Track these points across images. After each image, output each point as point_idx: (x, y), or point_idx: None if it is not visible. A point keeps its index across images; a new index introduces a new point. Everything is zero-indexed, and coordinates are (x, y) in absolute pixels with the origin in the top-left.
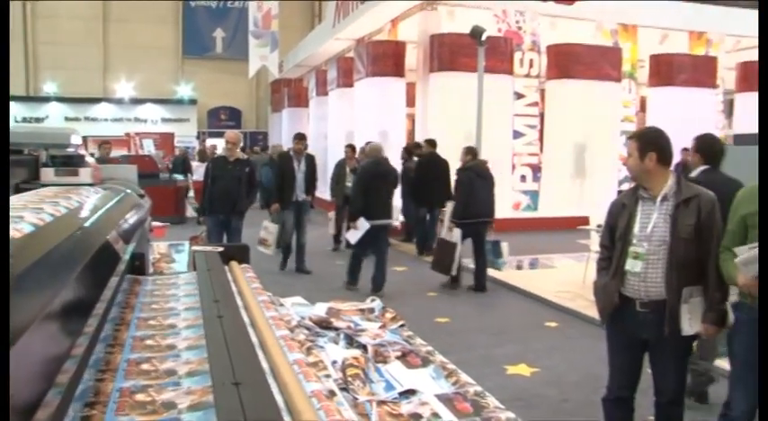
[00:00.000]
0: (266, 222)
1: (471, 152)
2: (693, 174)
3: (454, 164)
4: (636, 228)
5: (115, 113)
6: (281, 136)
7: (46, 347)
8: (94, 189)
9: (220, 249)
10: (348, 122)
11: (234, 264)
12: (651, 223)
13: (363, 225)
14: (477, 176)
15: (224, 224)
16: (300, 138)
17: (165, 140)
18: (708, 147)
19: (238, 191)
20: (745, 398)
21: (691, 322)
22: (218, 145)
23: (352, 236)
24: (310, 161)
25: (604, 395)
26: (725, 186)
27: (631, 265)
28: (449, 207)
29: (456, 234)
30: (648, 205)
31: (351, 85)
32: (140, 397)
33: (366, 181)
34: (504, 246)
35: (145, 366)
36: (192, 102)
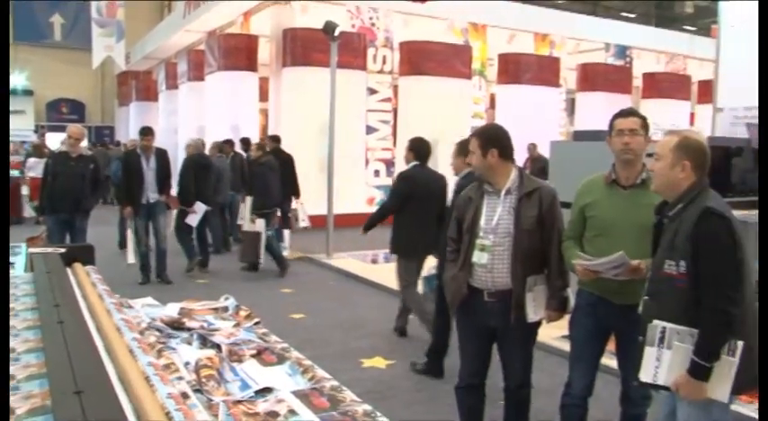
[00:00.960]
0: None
1: (261, 148)
2: (406, 167)
3: (305, 158)
4: (482, 221)
5: None
6: (129, 131)
7: None
8: None
9: (62, 250)
10: (199, 117)
11: (78, 265)
12: (496, 216)
13: (201, 207)
14: (269, 170)
15: (67, 224)
16: (147, 133)
17: None
18: (418, 148)
19: (82, 188)
20: (582, 376)
21: (535, 309)
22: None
23: (192, 219)
24: (161, 157)
25: (457, 383)
26: (430, 178)
27: (478, 257)
28: (248, 201)
29: (259, 224)
30: (493, 199)
31: (202, 79)
32: None
33: (194, 170)
34: (287, 233)
35: None
36: (28, 92)
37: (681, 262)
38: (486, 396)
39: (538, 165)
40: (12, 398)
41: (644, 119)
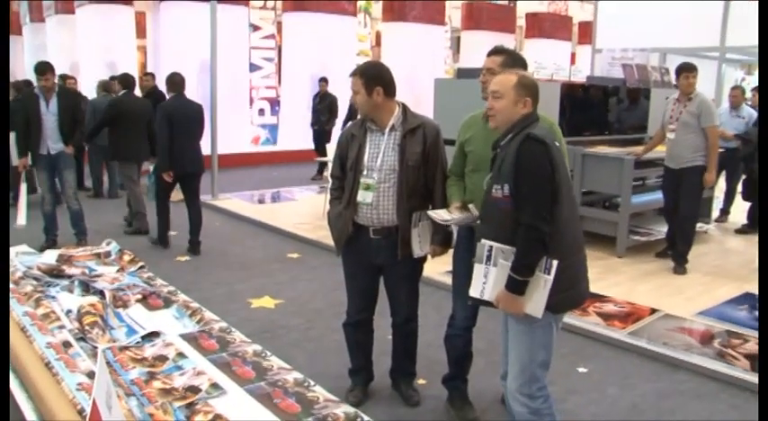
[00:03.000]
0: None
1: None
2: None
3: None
4: (366, 159)
5: None
6: None
7: None
8: None
9: None
10: (72, 53)
11: None
12: (381, 153)
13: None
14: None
15: None
16: (44, 70)
17: None
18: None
19: None
20: (463, 307)
21: (421, 245)
22: None
23: None
24: (65, 99)
25: (345, 319)
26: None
27: (363, 197)
28: None
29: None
30: (377, 136)
31: (72, 12)
32: None
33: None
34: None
35: None
36: None
37: (505, 185)
38: (373, 331)
39: (327, 101)
40: None
41: (507, 57)
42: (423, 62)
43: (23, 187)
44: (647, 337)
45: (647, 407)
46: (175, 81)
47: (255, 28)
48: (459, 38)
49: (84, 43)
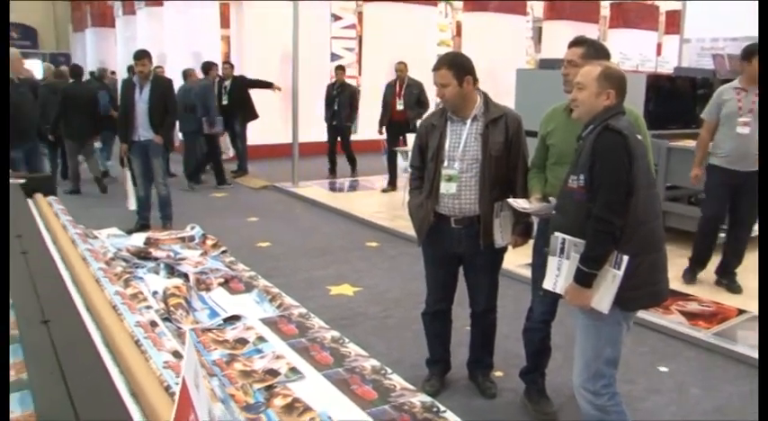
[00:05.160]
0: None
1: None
2: None
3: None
4: (447, 149)
5: None
6: (86, 58)
7: None
8: None
9: (21, 181)
10: (160, 44)
11: (39, 196)
12: (462, 142)
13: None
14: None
15: (29, 151)
16: (140, 56)
17: None
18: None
19: (37, 113)
20: (542, 301)
21: (502, 235)
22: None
23: None
24: (159, 87)
25: (423, 309)
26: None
27: (446, 188)
28: None
29: None
30: (458, 125)
31: (161, 4)
32: None
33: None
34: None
35: None
36: None
37: (581, 176)
38: (452, 321)
39: (347, 93)
40: None
41: (589, 48)
42: (504, 53)
43: (128, 173)
44: (734, 339)
45: (731, 410)
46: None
47: (336, 18)
48: (540, 28)
49: (172, 34)
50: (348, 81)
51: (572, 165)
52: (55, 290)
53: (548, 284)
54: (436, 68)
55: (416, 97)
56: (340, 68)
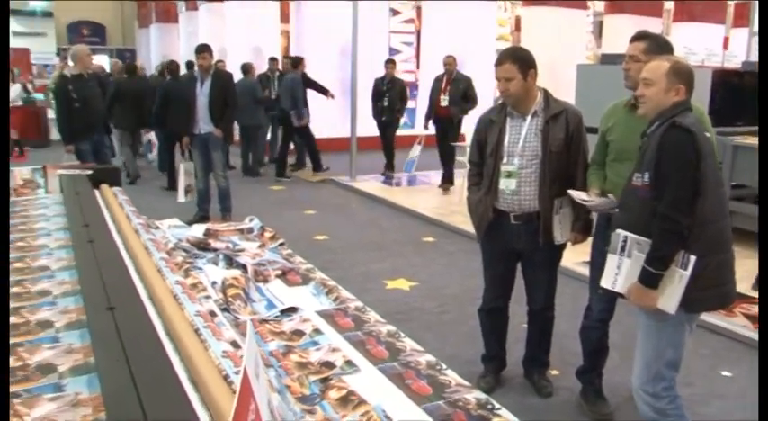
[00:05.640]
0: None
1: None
2: None
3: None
4: (506, 144)
5: None
6: (150, 53)
7: None
8: None
9: (89, 172)
10: (220, 39)
11: (105, 187)
12: (522, 138)
13: None
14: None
15: (97, 144)
16: (200, 50)
17: (19, 57)
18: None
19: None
20: (600, 299)
21: (562, 232)
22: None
23: None
24: (219, 81)
25: (480, 306)
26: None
27: (506, 184)
28: None
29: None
30: (517, 121)
31: (222, 0)
32: (13, 319)
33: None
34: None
35: (16, 289)
36: (47, 14)
37: (645, 173)
38: (508, 318)
39: (398, 87)
40: (49, 313)
41: (651, 43)
42: (563, 48)
43: (182, 167)
44: None
45: None
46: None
47: (395, 12)
48: (601, 23)
49: (232, 29)
50: (404, 76)
51: (636, 162)
52: (119, 278)
53: (606, 283)
54: (500, 63)
55: (462, 93)
56: (390, 62)
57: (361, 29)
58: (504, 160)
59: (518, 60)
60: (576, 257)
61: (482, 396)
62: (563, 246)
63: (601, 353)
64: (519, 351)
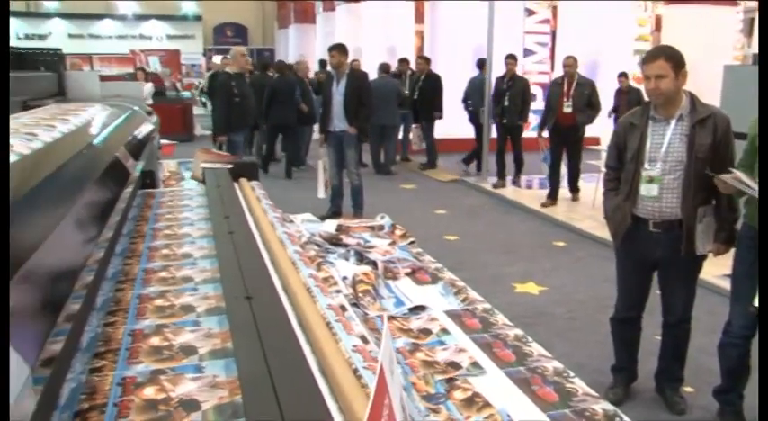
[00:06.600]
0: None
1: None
2: None
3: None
4: (647, 149)
5: (119, 30)
6: (288, 53)
7: (61, 258)
8: (102, 106)
9: (230, 166)
10: (356, 39)
11: (243, 181)
12: (665, 143)
13: None
14: None
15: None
16: (331, 49)
17: (171, 58)
18: None
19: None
20: (742, 315)
21: (704, 242)
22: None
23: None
24: (355, 81)
25: (612, 314)
26: None
27: (647, 190)
28: None
29: None
30: (660, 125)
31: (359, 1)
32: (159, 302)
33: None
34: None
35: (163, 274)
36: (197, 18)
37: None
38: (641, 329)
39: (519, 87)
40: (191, 298)
41: None
42: (709, 48)
43: (320, 163)
44: None
45: None
46: None
47: (530, 12)
48: (752, 20)
49: (368, 29)
50: (538, 78)
51: None
52: (256, 268)
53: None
54: (652, 59)
55: (587, 98)
56: (510, 58)
57: (495, 29)
58: (646, 165)
59: (671, 58)
60: (716, 270)
61: (610, 407)
62: (704, 257)
63: (741, 373)
64: (651, 363)
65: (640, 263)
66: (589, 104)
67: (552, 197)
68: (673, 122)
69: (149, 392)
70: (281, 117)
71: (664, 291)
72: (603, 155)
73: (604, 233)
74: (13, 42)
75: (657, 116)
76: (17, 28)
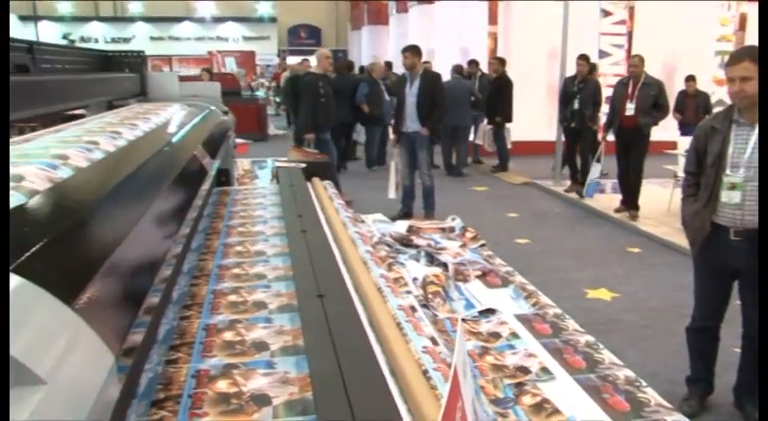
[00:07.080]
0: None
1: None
2: None
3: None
4: (729, 154)
5: (197, 32)
6: (361, 54)
7: (143, 252)
8: (180, 105)
9: (303, 165)
10: (429, 40)
11: (316, 180)
12: (749, 148)
13: None
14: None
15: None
16: (404, 49)
17: (246, 58)
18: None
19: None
20: None
21: None
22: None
23: None
24: (428, 82)
25: (689, 324)
26: None
27: (729, 197)
28: None
29: None
30: (744, 130)
31: (432, 2)
32: (233, 297)
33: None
34: None
35: (236, 270)
36: (272, 20)
37: None
38: (719, 340)
39: (590, 88)
40: (263, 295)
41: None
42: None
43: (392, 164)
44: None
45: None
46: None
47: (606, 13)
48: None
49: (441, 30)
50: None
51: None
52: (328, 267)
53: None
54: (737, 61)
55: (653, 100)
56: (582, 58)
57: (570, 31)
58: (728, 171)
59: (757, 59)
60: None
61: (684, 420)
62: None
63: None
64: (728, 376)
65: (719, 271)
66: (655, 106)
67: (627, 204)
68: (757, 127)
69: (222, 386)
70: (339, 116)
71: (744, 300)
72: (680, 159)
73: (681, 240)
74: (101, 45)
75: (741, 120)
76: (105, 32)
